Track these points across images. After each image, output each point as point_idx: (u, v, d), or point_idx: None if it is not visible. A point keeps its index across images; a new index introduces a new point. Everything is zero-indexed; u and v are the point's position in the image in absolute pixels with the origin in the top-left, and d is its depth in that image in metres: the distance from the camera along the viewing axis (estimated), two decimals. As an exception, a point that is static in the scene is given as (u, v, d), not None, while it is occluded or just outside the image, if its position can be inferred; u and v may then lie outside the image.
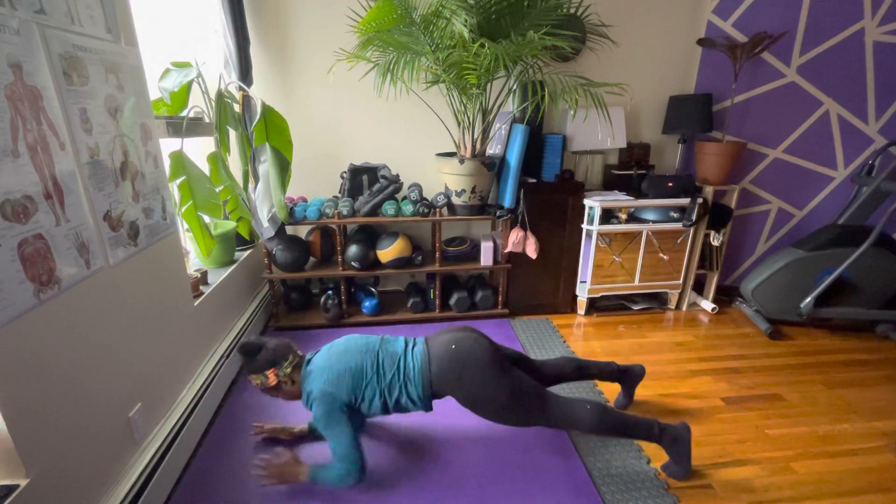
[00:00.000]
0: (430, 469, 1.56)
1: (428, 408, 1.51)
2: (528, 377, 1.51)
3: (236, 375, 2.07)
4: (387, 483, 1.50)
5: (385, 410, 1.48)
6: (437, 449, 1.66)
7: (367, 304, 2.59)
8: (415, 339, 1.58)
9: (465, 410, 1.84)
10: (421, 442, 1.69)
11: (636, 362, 2.21)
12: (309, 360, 1.52)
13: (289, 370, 1.47)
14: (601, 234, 2.54)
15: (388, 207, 2.43)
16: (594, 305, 2.82)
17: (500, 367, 1.47)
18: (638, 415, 1.57)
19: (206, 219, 1.92)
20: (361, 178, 2.54)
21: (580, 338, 2.49)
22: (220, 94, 2.00)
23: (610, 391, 1.99)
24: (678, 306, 2.86)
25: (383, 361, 1.47)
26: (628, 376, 1.83)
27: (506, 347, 1.65)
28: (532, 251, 2.49)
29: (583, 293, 2.70)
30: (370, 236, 2.59)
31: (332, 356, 1.48)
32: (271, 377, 1.44)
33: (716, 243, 2.70)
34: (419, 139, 2.70)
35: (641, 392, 1.95)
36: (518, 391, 1.45)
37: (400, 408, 1.49)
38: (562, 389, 2.00)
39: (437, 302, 2.61)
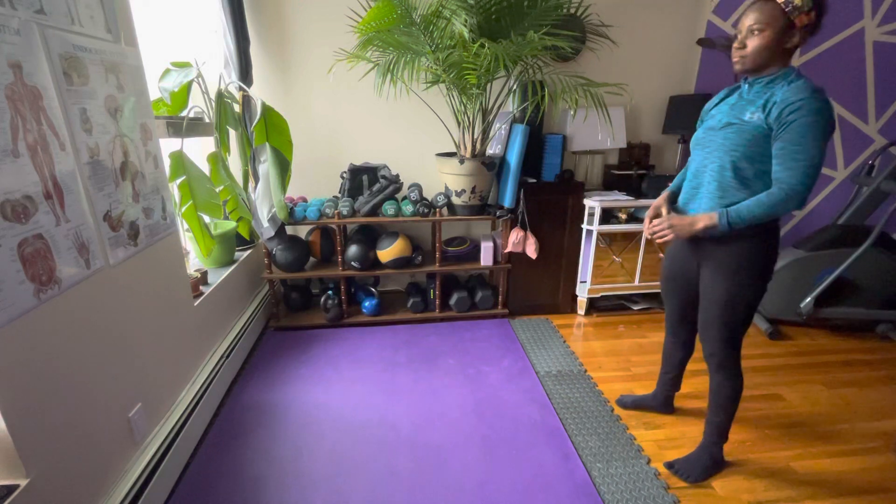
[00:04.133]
0: (431, 469, 1.56)
1: None
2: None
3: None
4: (387, 483, 1.50)
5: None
6: (437, 449, 1.66)
7: (367, 304, 2.59)
8: None
9: (464, 410, 1.85)
10: (421, 442, 1.69)
11: (636, 363, 2.23)
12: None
13: (813, 22, 1.16)
14: (601, 234, 2.54)
15: (388, 207, 2.43)
16: (594, 305, 2.81)
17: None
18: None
19: (206, 219, 1.92)
20: (361, 178, 2.54)
21: (580, 338, 2.49)
22: (220, 94, 2.00)
23: (609, 392, 1.99)
24: (678, 306, 2.85)
25: None
26: (667, 402, 1.84)
27: None
28: (532, 251, 2.49)
29: (583, 293, 2.70)
30: (370, 236, 2.59)
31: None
32: (807, 16, 1.13)
33: (716, 243, 2.70)
34: (419, 139, 2.70)
35: (643, 393, 1.95)
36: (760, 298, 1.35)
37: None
38: (565, 388, 2.00)
39: (437, 302, 2.61)
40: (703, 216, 1.30)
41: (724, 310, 1.37)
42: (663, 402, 1.83)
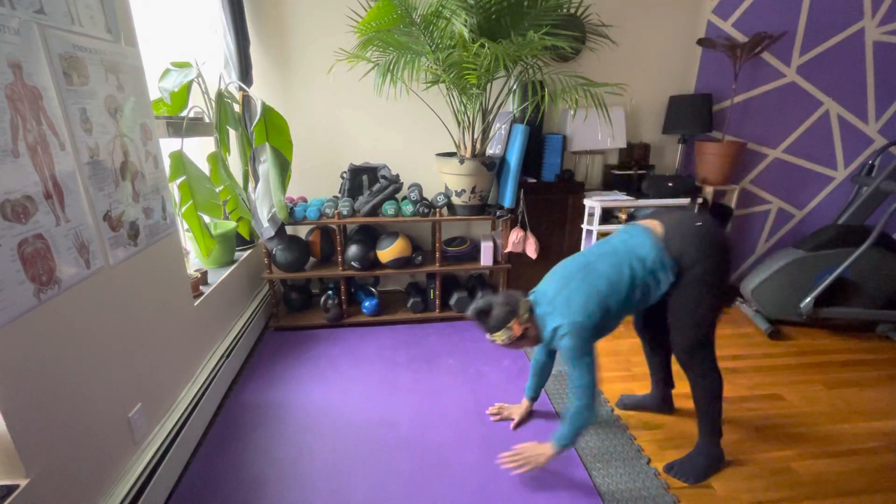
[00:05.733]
0: (431, 469, 1.56)
1: (672, 277, 1.38)
2: None
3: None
4: (387, 484, 1.50)
5: (632, 308, 1.42)
6: (437, 449, 1.66)
7: (367, 304, 2.59)
8: (627, 230, 1.49)
9: (464, 410, 1.85)
10: (421, 442, 1.69)
11: (636, 363, 2.22)
12: (535, 301, 1.48)
13: (527, 315, 1.45)
14: (601, 234, 2.54)
15: (388, 207, 2.43)
16: (594, 305, 2.81)
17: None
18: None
19: (206, 219, 1.92)
20: (361, 178, 2.54)
21: (580, 338, 2.48)
22: (220, 94, 2.00)
23: (609, 392, 1.99)
24: (678, 306, 2.85)
25: (612, 267, 1.39)
26: (659, 400, 1.84)
27: None
28: (532, 251, 2.49)
29: (583, 293, 2.69)
30: (370, 236, 2.59)
31: (563, 289, 1.41)
32: (516, 328, 1.43)
33: (716, 243, 2.70)
34: (419, 139, 2.70)
35: (643, 393, 1.95)
36: (723, 304, 1.44)
37: (647, 297, 1.41)
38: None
39: (437, 302, 2.61)
40: (547, 450, 1.44)
41: (687, 316, 1.43)
42: (662, 401, 1.83)
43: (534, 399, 1.81)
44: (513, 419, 1.79)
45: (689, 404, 1.89)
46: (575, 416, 1.38)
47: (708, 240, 1.37)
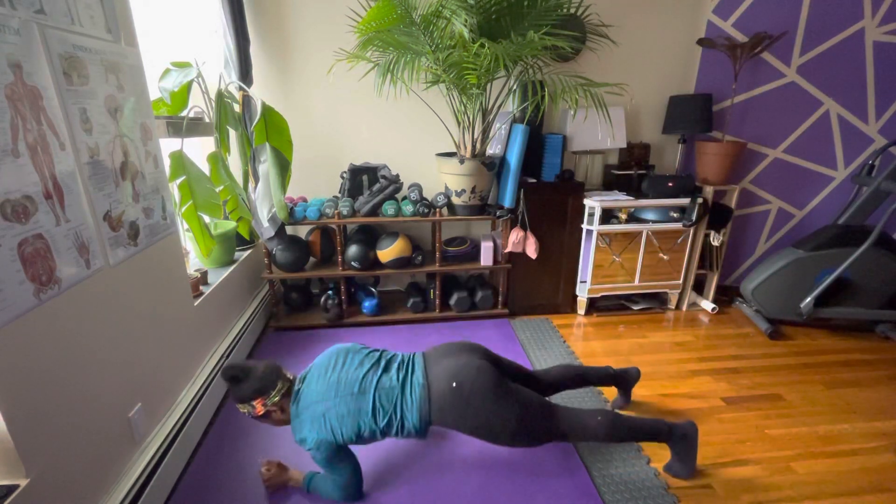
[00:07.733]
0: (430, 470, 1.56)
1: (423, 437, 1.46)
2: (534, 393, 1.45)
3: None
4: (387, 484, 1.50)
5: (383, 438, 1.44)
6: (436, 450, 1.66)
7: (367, 304, 2.59)
8: (413, 364, 1.47)
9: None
10: (420, 443, 1.69)
11: (636, 363, 2.22)
12: (298, 392, 1.42)
13: (277, 399, 1.39)
14: (601, 234, 2.54)
15: (388, 207, 2.43)
16: (594, 305, 2.81)
17: (506, 394, 1.39)
18: (646, 417, 1.54)
19: (206, 219, 1.92)
20: (361, 178, 2.54)
21: (580, 338, 2.49)
22: (220, 94, 2.00)
23: (610, 392, 1.99)
24: (678, 306, 2.85)
25: (380, 405, 1.37)
26: (624, 379, 1.83)
27: (504, 359, 1.61)
28: (532, 251, 2.49)
29: (583, 293, 2.70)
30: (370, 236, 2.59)
31: (324, 398, 1.37)
32: (258, 407, 1.37)
33: (716, 243, 2.70)
34: (419, 139, 2.70)
35: (642, 392, 1.95)
36: (526, 414, 1.40)
37: (397, 436, 1.43)
38: (565, 395, 2.00)
39: (437, 302, 2.61)
40: (296, 477, 1.49)
41: (512, 443, 1.43)
42: (625, 393, 1.87)
43: None
44: None
45: (689, 404, 1.91)
46: (334, 489, 1.41)
47: (462, 399, 1.36)
